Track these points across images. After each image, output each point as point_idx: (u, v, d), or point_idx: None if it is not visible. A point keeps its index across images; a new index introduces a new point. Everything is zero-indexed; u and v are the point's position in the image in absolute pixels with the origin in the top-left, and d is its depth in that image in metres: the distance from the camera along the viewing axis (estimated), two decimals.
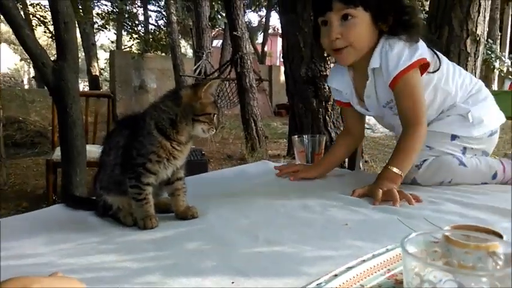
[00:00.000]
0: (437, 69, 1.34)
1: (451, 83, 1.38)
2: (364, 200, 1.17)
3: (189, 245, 0.86)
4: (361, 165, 2.78)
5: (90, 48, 11.98)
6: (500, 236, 0.58)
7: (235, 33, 5.63)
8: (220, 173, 1.69)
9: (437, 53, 1.38)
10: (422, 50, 1.26)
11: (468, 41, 2.72)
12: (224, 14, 7.48)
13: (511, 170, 1.39)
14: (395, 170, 1.21)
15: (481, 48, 2.80)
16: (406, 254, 0.45)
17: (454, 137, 1.35)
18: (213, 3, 8.18)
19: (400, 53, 1.24)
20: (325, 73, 2.90)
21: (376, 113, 1.45)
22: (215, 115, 1.03)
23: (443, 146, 1.35)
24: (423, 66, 1.28)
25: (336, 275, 0.67)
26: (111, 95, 3.89)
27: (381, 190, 1.14)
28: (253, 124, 5.84)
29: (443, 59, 1.40)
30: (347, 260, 0.73)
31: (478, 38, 2.73)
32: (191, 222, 1.01)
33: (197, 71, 8.17)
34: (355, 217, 1.01)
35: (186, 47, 18.73)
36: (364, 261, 0.72)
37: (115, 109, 10.07)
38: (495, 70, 10.11)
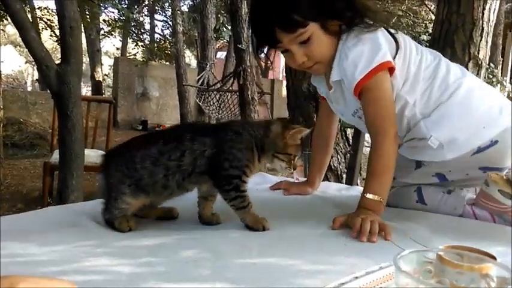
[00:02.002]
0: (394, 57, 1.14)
1: (418, 88, 1.20)
2: None
3: (183, 253, 0.85)
4: (358, 182, 2.78)
5: (95, 54, 12.03)
6: (494, 258, 0.58)
7: (239, 45, 5.67)
8: None
9: (399, 38, 1.18)
10: (385, 49, 1.11)
11: (470, 65, 2.73)
12: (229, 27, 7.54)
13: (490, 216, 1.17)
14: (372, 196, 1.07)
15: (483, 72, 2.82)
16: (398, 271, 0.45)
17: (419, 165, 1.23)
18: (219, 15, 8.25)
19: (357, 60, 1.11)
20: None
21: (349, 121, 1.35)
22: (296, 157, 1.08)
23: (407, 176, 1.24)
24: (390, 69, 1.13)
25: None
26: (112, 101, 3.90)
27: (359, 219, 0.99)
28: None
29: (408, 49, 1.19)
30: (340, 275, 0.73)
31: (480, 62, 2.75)
32: (186, 231, 1.01)
33: (200, 82, 8.19)
34: (349, 233, 1.00)
35: (190, 57, 18.84)
36: (356, 277, 0.71)
37: (116, 115, 10.09)
38: None
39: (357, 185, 2.64)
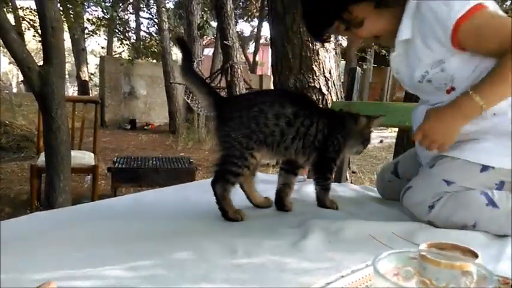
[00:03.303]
0: None
1: None
2: (344, 213, 1.18)
3: (168, 256, 0.84)
4: (348, 177, 2.78)
5: (80, 53, 11.88)
6: (476, 256, 0.58)
7: (225, 42, 5.64)
8: (202, 183, 1.67)
9: None
10: None
11: None
12: (213, 24, 7.49)
13: None
14: (477, 98, 0.97)
15: None
16: (377, 274, 0.45)
17: (485, 168, 1.03)
18: (203, 12, 8.19)
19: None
20: (313, 84, 2.92)
21: (413, 91, 1.23)
22: None
23: (468, 180, 1.04)
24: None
25: None
26: (98, 101, 3.85)
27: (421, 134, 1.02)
28: None
29: None
30: (327, 273, 0.73)
31: None
32: (171, 234, 0.99)
33: None
34: (334, 229, 1.00)
35: (177, 54, 18.73)
36: (342, 276, 0.71)
37: (103, 115, 9.99)
38: None
39: (346, 179, 2.64)
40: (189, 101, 7.47)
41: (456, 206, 1.03)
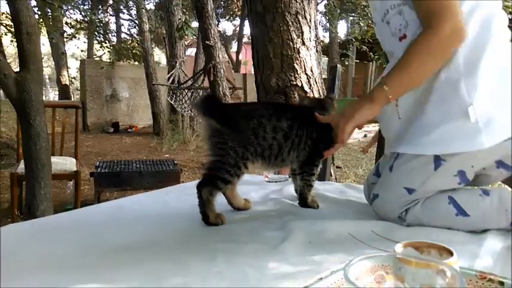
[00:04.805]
0: None
1: (478, 15, 0.97)
2: (325, 212, 1.18)
3: (145, 266, 0.82)
4: (332, 172, 2.79)
5: (60, 58, 11.71)
6: (451, 254, 0.58)
7: (207, 42, 5.62)
8: (183, 186, 1.65)
9: None
10: None
11: None
12: (192, 25, 7.43)
13: None
14: (385, 88, 0.98)
15: None
16: (347, 282, 0.45)
17: (438, 163, 0.96)
18: (182, 14, 8.14)
19: None
20: (295, 82, 2.92)
21: (379, 34, 1.16)
22: None
23: (427, 184, 1.00)
24: None
25: None
26: (79, 106, 3.79)
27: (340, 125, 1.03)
28: None
29: None
30: (307, 275, 0.72)
31: None
32: (147, 243, 0.97)
33: (170, 80, 8.09)
34: (314, 230, 1.00)
35: (160, 56, 18.59)
36: (321, 279, 0.71)
37: (86, 118, 9.86)
38: None
39: (331, 175, 2.65)
40: (172, 102, 7.42)
41: (427, 218, 1.01)
